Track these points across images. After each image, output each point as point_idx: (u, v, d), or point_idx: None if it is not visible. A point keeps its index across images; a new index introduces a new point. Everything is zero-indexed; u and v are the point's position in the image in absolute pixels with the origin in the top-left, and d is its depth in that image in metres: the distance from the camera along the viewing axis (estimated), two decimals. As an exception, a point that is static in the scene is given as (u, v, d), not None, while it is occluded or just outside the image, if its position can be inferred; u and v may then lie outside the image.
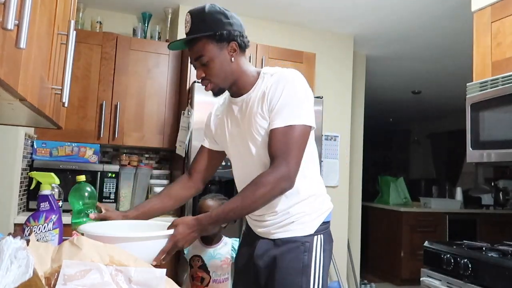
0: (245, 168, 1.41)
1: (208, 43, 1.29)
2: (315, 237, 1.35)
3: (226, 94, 1.46)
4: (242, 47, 1.36)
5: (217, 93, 1.38)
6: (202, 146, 1.59)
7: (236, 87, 1.38)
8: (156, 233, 1.21)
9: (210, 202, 1.99)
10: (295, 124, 1.25)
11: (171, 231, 1.20)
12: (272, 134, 1.27)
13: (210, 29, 1.29)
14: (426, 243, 2.20)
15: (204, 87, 1.36)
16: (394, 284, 4.80)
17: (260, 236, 1.41)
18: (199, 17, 1.30)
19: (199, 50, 1.30)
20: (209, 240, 1.97)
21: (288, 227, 1.35)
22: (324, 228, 1.38)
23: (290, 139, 1.25)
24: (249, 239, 1.43)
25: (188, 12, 1.32)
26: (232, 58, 1.34)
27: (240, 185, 1.43)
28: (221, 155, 1.57)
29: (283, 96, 1.27)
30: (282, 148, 1.25)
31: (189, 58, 1.38)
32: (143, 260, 1.04)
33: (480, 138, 2.05)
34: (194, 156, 1.62)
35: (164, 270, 0.82)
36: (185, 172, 1.61)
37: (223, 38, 1.30)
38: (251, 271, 1.42)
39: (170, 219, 1.38)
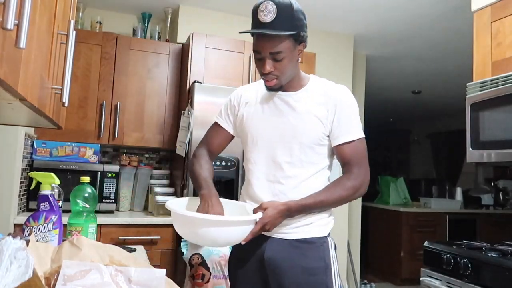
0: (271, 158, 1.41)
1: (289, 41, 1.30)
2: (328, 238, 1.40)
3: (259, 83, 1.48)
4: (305, 48, 1.39)
5: (276, 89, 1.40)
6: (219, 127, 1.57)
7: (288, 84, 1.41)
8: (248, 217, 1.30)
9: None
10: (363, 136, 1.41)
11: (260, 214, 1.27)
12: (348, 144, 1.37)
13: (295, 28, 1.29)
14: (426, 243, 2.20)
15: (267, 81, 1.37)
16: (394, 284, 4.80)
17: (267, 236, 1.37)
18: (287, 13, 1.27)
19: (278, 45, 1.29)
20: None
21: (305, 228, 1.37)
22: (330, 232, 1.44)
23: (363, 150, 1.40)
24: (252, 240, 1.33)
25: (272, 1, 1.26)
26: (299, 59, 1.38)
27: (257, 174, 1.43)
28: (232, 139, 1.60)
29: (351, 112, 1.39)
30: (359, 158, 1.38)
31: (257, 46, 1.32)
32: (232, 240, 1.29)
33: (480, 138, 2.05)
34: (208, 133, 1.60)
35: (164, 270, 0.82)
36: (201, 148, 1.59)
37: (301, 39, 1.33)
38: (260, 273, 1.38)
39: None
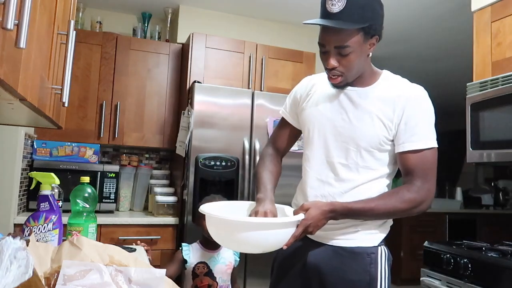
0: (324, 156, 1.30)
1: (358, 34, 1.15)
2: (380, 247, 1.26)
3: (323, 74, 1.34)
4: (379, 41, 1.23)
5: (341, 87, 1.26)
6: (284, 121, 1.47)
7: (356, 80, 1.26)
8: (288, 219, 1.19)
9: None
10: (436, 146, 1.23)
11: (301, 216, 1.15)
12: (414, 153, 1.21)
13: (367, 20, 1.14)
14: (426, 243, 2.20)
15: (331, 77, 1.24)
16: (394, 284, 4.80)
17: (314, 240, 1.29)
18: (359, 3, 1.13)
19: (345, 39, 1.14)
20: (213, 244, 1.87)
21: (352, 235, 1.25)
22: (385, 238, 1.31)
23: (432, 162, 1.22)
24: (297, 242, 1.22)
25: None
26: (370, 53, 1.23)
27: (310, 172, 1.32)
28: (300, 133, 1.46)
29: (424, 115, 1.22)
30: (425, 170, 1.21)
31: (322, 39, 1.19)
32: (272, 245, 1.16)
33: (480, 138, 2.05)
34: (275, 129, 1.50)
35: (164, 270, 0.82)
36: (267, 146, 1.49)
37: (373, 32, 1.18)
38: (302, 278, 1.30)
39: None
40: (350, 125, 1.25)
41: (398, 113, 1.21)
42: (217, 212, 1.22)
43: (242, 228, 1.12)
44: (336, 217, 1.19)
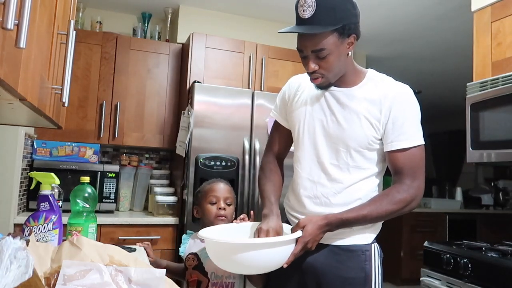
0: (315, 157, 1.32)
1: (333, 36, 1.17)
2: (373, 245, 1.30)
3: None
4: (358, 39, 1.25)
5: (324, 87, 1.28)
6: (277, 124, 1.48)
7: (339, 80, 1.28)
8: (285, 237, 1.20)
9: (222, 185, 1.62)
10: (422, 144, 1.27)
11: (299, 233, 1.19)
12: (402, 152, 1.24)
13: (339, 21, 1.16)
14: (426, 243, 2.20)
15: (312, 79, 1.26)
16: (394, 284, 4.80)
17: None
18: (328, 5, 1.15)
19: (320, 42, 1.17)
20: None
21: (347, 234, 1.28)
22: (378, 236, 1.34)
23: (420, 160, 1.25)
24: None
25: None
26: (349, 53, 1.24)
27: (301, 173, 1.33)
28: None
29: (410, 114, 1.26)
30: (413, 168, 1.24)
31: (299, 45, 1.24)
32: (272, 264, 1.18)
33: (480, 138, 2.05)
34: (270, 135, 1.51)
35: (163, 270, 0.82)
36: (266, 154, 1.50)
37: (348, 31, 1.19)
38: (299, 277, 1.32)
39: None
40: (338, 126, 1.27)
41: (385, 113, 1.24)
42: (216, 234, 1.22)
43: (236, 250, 1.13)
44: (332, 229, 1.22)
